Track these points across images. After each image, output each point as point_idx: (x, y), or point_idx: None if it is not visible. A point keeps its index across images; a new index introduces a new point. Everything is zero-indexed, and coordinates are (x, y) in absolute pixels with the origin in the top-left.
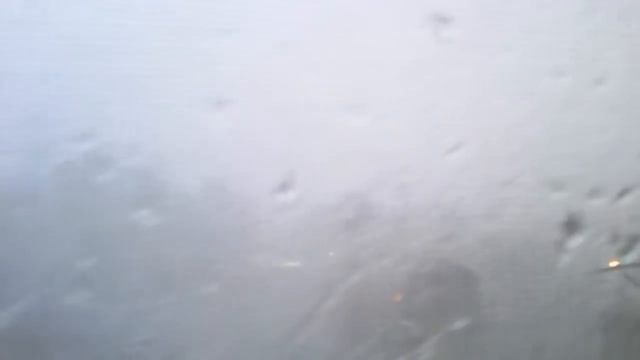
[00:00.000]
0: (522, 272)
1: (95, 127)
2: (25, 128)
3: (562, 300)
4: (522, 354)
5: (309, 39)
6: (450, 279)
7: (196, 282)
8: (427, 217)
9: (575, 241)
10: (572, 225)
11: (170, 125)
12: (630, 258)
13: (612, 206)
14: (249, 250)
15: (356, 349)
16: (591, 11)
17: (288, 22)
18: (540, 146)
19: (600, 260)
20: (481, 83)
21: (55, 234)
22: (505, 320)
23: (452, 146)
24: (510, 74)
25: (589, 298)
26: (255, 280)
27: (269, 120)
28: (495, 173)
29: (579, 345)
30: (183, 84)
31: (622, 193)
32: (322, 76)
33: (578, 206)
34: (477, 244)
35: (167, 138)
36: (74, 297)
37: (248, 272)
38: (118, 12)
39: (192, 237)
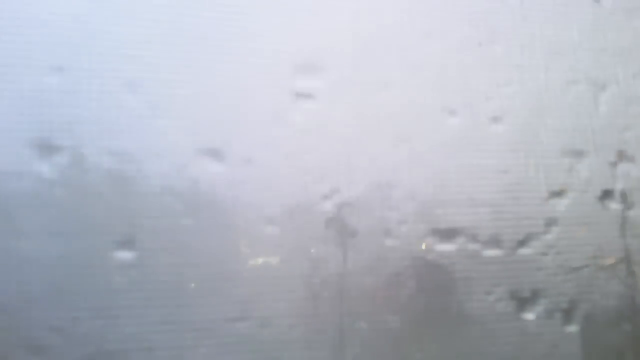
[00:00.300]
0: None
1: None
2: None
3: None
4: None
5: None
6: None
7: None
8: None
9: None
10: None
11: None
12: (531, 315)
13: (509, 258)
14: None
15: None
16: (485, 44)
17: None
18: (427, 193)
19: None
20: (359, 124)
21: None
22: None
23: (325, 194)
24: (393, 113)
25: None
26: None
27: None
28: (376, 222)
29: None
30: None
31: (522, 243)
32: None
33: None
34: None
35: None
36: None
37: None
38: None
39: None
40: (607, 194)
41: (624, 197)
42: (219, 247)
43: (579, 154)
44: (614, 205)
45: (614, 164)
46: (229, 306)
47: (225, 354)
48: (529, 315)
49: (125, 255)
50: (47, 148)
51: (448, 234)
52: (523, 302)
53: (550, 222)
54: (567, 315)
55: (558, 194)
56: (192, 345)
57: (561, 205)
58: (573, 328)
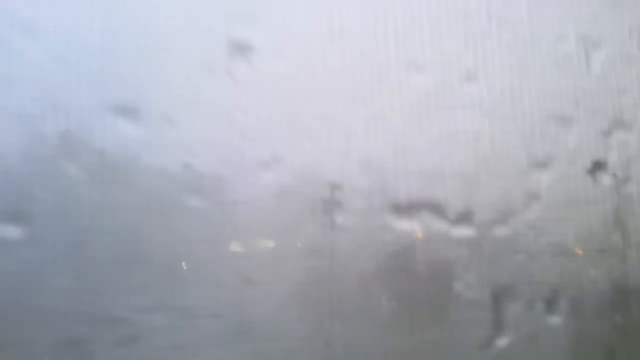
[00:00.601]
0: None
1: None
2: None
3: None
4: None
5: None
6: None
7: None
8: None
9: None
10: None
11: None
12: (508, 305)
13: (481, 238)
14: None
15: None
16: None
17: None
18: (385, 162)
19: None
20: (306, 80)
21: None
22: None
23: (265, 162)
24: (346, 67)
25: None
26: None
27: None
28: (325, 196)
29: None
30: None
31: (497, 222)
32: None
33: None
34: None
35: None
36: None
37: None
38: None
39: None
40: (598, 166)
41: (618, 170)
42: (129, 228)
43: (566, 120)
44: (606, 180)
45: (607, 133)
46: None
47: None
48: (506, 306)
49: (12, 231)
50: None
51: (409, 210)
52: (498, 290)
53: (532, 198)
54: (550, 305)
55: (541, 165)
56: None
57: (544, 178)
58: (557, 319)
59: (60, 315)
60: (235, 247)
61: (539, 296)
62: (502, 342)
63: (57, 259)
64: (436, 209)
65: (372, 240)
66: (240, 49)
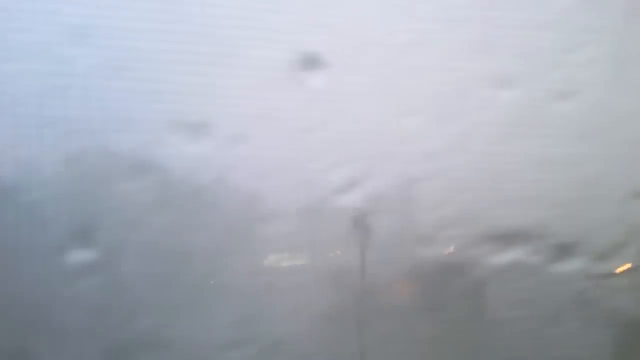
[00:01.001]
0: None
1: None
2: None
3: None
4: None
5: None
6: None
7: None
8: None
9: None
10: None
11: None
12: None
13: (582, 274)
14: None
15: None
16: None
17: None
18: (471, 188)
19: None
20: (382, 96)
21: None
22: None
23: (340, 187)
24: (427, 83)
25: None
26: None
27: None
28: (405, 225)
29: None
30: None
31: (600, 256)
32: None
33: None
34: None
35: None
36: None
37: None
38: None
39: None
40: None
41: None
42: (197, 248)
43: None
44: None
45: None
46: None
47: None
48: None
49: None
50: None
51: (501, 242)
52: (607, 335)
53: (636, 230)
54: None
55: None
56: None
57: None
58: None
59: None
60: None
61: None
62: None
63: (125, 282)
64: (528, 239)
65: (461, 273)
66: (313, 61)
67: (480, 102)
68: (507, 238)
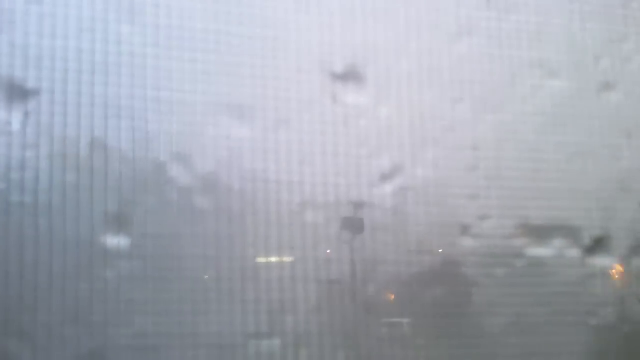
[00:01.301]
0: None
1: None
2: None
3: None
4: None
5: None
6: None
7: None
8: None
9: None
10: None
11: None
12: None
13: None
14: None
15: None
16: None
17: None
18: (515, 178)
19: None
20: (422, 78)
21: None
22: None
23: (384, 173)
24: (469, 71)
25: None
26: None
27: None
28: (450, 214)
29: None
30: None
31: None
32: None
33: None
34: None
35: None
36: None
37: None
38: None
39: None
40: None
41: None
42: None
43: None
44: None
45: None
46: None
47: None
48: None
49: (114, 241)
50: None
51: (542, 234)
52: None
53: None
54: None
55: None
56: None
57: None
58: None
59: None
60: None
61: None
62: None
63: (159, 270)
64: (569, 232)
65: (502, 264)
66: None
67: (527, 91)
68: (547, 230)
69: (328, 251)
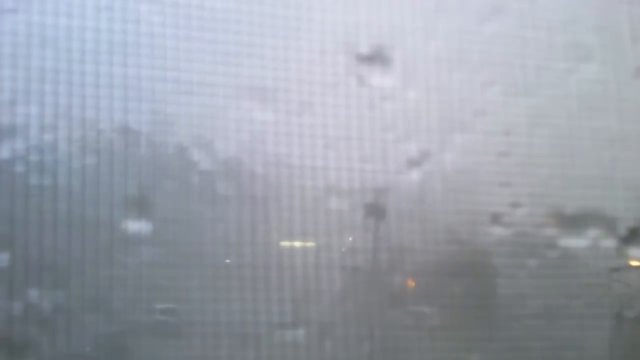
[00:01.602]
0: None
1: None
2: None
3: None
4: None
5: None
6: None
7: None
8: None
9: None
10: None
11: None
12: None
13: None
14: None
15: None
16: None
17: None
18: (548, 165)
19: None
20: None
21: None
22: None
23: (412, 158)
24: (497, 54)
25: None
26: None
27: None
28: (480, 202)
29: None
30: None
31: None
32: None
33: None
34: None
35: None
36: None
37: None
38: None
39: None
40: None
41: None
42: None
43: None
44: None
45: None
46: None
47: None
48: None
49: (134, 226)
50: None
51: (575, 224)
52: None
53: None
54: None
55: None
56: None
57: None
58: None
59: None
60: None
61: None
62: None
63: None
64: (604, 222)
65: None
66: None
67: (558, 75)
68: (580, 219)
69: (350, 239)
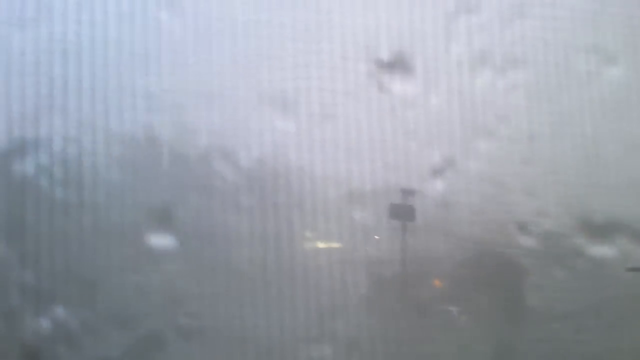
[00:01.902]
0: None
1: None
2: None
3: None
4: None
5: None
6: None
7: None
8: None
9: None
10: None
11: None
12: None
13: None
14: None
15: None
16: None
17: None
18: (572, 171)
19: None
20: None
21: None
22: None
23: (435, 168)
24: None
25: None
26: None
27: None
28: (502, 210)
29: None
30: None
31: None
32: None
33: None
34: None
35: None
36: None
37: None
38: None
39: None
40: None
41: None
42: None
43: None
44: None
45: None
46: None
47: None
48: None
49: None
50: None
51: (602, 232)
52: None
53: None
54: None
55: None
56: None
57: None
58: None
59: None
60: None
61: None
62: None
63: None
64: (628, 229)
65: (561, 265)
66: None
67: (583, 78)
68: (607, 227)
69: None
